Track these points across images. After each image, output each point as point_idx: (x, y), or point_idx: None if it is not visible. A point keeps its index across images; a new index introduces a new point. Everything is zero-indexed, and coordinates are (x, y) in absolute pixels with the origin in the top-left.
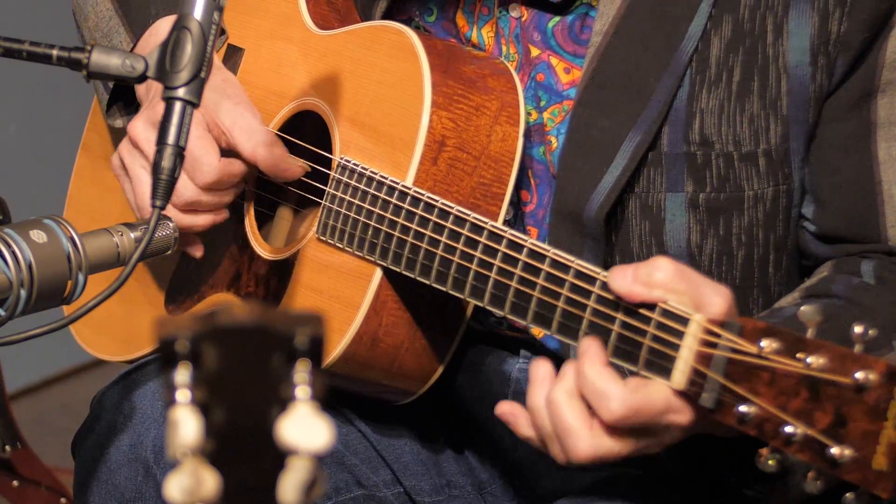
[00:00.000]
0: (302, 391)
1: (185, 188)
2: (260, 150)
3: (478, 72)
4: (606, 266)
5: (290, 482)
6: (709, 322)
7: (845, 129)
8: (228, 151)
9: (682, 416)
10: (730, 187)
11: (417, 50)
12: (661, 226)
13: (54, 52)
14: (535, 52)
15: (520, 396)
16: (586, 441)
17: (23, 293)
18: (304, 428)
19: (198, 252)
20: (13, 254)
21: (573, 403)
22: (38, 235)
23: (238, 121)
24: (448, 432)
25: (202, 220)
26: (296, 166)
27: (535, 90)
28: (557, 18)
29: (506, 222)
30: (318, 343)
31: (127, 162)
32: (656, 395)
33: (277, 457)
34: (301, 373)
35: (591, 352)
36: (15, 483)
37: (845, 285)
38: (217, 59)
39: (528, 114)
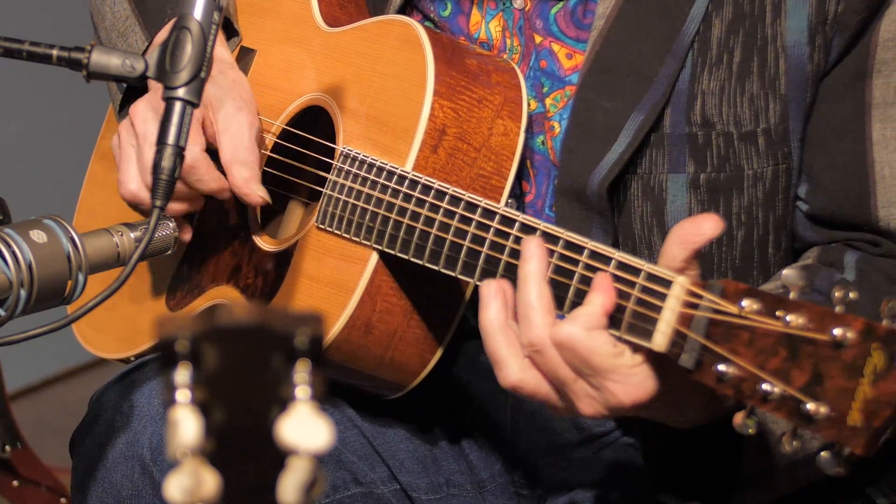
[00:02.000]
0: (302, 391)
1: None
2: (235, 167)
3: (482, 66)
4: (614, 245)
5: (290, 482)
6: (692, 284)
7: (840, 109)
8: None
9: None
10: (730, 167)
11: (423, 41)
12: (662, 207)
13: (54, 52)
14: (537, 39)
15: (518, 396)
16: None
17: (23, 293)
18: (304, 428)
19: (186, 235)
20: (13, 254)
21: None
22: (38, 235)
23: (230, 127)
24: (446, 430)
25: (178, 207)
26: (256, 196)
27: (538, 77)
28: (560, 4)
29: None
30: (318, 343)
31: (122, 139)
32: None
33: (277, 457)
34: (301, 373)
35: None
36: (15, 483)
37: (828, 282)
38: (231, 58)
39: (529, 104)
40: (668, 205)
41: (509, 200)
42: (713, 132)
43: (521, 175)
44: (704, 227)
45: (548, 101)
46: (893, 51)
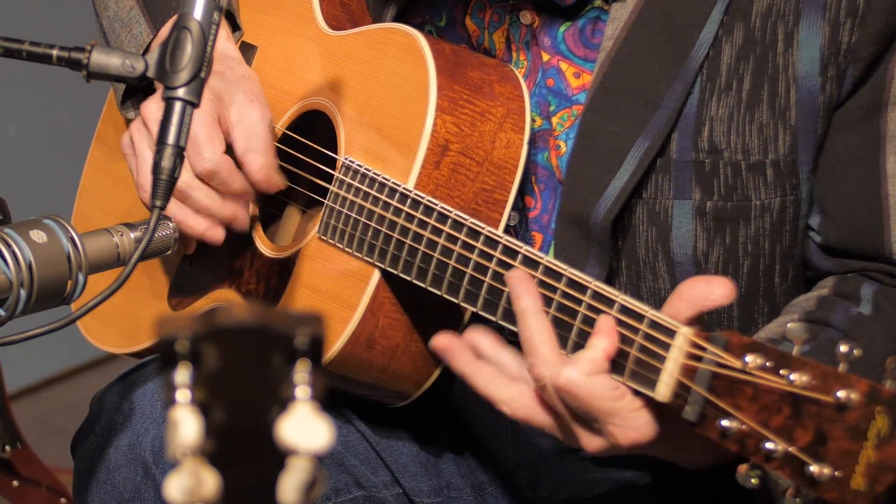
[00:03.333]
0: (302, 391)
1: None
2: (250, 155)
3: (485, 77)
4: (612, 273)
5: (290, 482)
6: (695, 335)
7: (854, 141)
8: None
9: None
10: (737, 196)
11: (425, 53)
12: (667, 233)
13: (54, 52)
14: (545, 56)
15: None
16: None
17: (23, 293)
18: (304, 428)
19: (189, 248)
20: (13, 254)
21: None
22: (38, 235)
23: (243, 119)
24: (448, 434)
25: (192, 222)
26: (273, 183)
27: (544, 95)
28: (569, 23)
29: (510, 228)
30: (318, 343)
31: (135, 140)
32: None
33: (277, 457)
34: (301, 373)
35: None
36: (15, 483)
37: (844, 316)
38: (238, 55)
39: (534, 120)
40: (672, 231)
41: (512, 213)
42: (721, 160)
43: (524, 189)
44: (716, 292)
45: (554, 119)
46: None
